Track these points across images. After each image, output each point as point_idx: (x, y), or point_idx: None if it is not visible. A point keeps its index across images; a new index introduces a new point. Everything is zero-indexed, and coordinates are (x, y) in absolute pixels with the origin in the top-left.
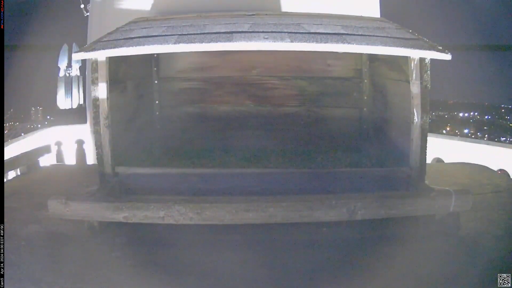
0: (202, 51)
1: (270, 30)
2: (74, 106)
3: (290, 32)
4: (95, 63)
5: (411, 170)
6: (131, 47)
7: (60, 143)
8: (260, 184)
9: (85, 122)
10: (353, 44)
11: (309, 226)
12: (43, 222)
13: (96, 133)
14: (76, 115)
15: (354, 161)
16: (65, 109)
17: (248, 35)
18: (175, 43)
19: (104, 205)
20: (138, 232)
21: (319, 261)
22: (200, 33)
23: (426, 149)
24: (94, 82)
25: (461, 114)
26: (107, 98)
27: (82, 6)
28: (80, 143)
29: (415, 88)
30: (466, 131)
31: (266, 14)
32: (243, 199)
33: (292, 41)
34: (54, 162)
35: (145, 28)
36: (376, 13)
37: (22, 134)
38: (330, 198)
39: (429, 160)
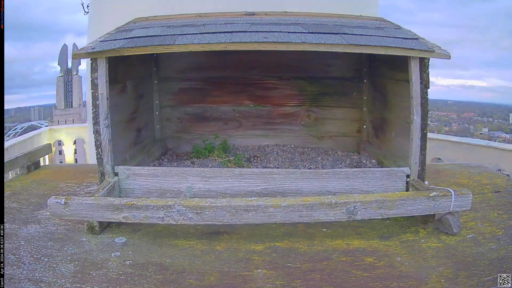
0: (202, 51)
1: (270, 30)
2: (74, 106)
3: (290, 32)
4: (94, 63)
5: (411, 170)
6: (131, 47)
7: (60, 143)
8: (260, 184)
9: (85, 122)
10: (353, 44)
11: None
12: (43, 222)
13: (96, 133)
14: (76, 115)
15: (354, 161)
16: (65, 109)
17: (248, 35)
18: (175, 43)
19: (104, 205)
20: (138, 232)
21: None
22: (200, 33)
23: (426, 149)
24: (94, 82)
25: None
26: (107, 98)
27: (82, 3)
28: (80, 143)
29: (415, 88)
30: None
31: (266, 14)
32: (243, 199)
33: (292, 41)
34: (54, 162)
35: (145, 28)
36: (376, 13)
37: (22, 134)
38: (330, 198)
39: (429, 160)
